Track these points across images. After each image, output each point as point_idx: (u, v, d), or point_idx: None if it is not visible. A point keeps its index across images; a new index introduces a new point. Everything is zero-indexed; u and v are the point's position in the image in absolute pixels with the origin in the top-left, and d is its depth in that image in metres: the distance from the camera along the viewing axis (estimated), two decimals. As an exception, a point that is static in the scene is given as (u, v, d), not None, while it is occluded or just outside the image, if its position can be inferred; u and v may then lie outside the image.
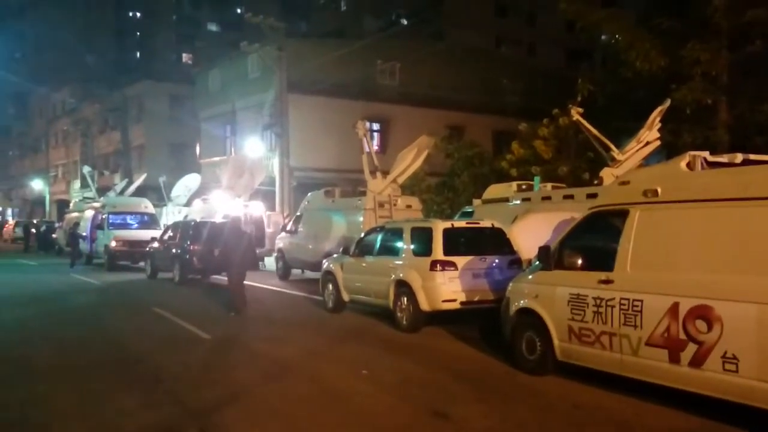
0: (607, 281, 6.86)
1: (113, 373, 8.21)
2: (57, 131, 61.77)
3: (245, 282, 13.66)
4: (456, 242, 10.78)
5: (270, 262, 22.54)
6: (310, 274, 19.18)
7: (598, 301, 6.92)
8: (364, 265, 12.40)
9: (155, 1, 78.52)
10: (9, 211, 73.38)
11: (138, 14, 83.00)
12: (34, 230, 38.95)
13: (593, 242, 7.64)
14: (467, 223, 11.93)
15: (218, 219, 20.14)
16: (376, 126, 31.81)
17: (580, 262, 7.38)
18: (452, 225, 11.21)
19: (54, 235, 35.04)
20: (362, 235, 13.72)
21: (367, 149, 18.43)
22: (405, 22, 52.01)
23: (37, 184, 61.91)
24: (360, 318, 12.44)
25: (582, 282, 7.20)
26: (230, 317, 12.72)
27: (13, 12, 76.95)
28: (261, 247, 22.49)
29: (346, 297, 12.88)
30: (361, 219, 16.98)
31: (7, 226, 53.03)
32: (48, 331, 11.34)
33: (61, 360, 9.06)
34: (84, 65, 69.85)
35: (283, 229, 21.12)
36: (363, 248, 12.66)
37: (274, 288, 17.90)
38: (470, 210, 15.94)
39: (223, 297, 15.32)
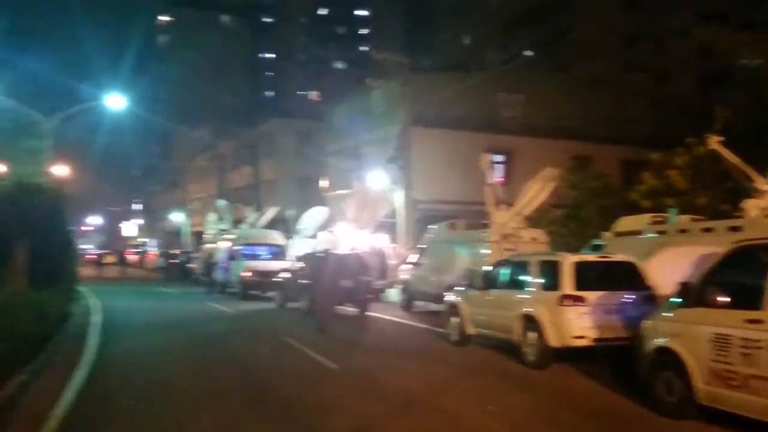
0: (756, 321, 6.40)
1: (244, 400, 8.50)
2: (195, 167, 65.79)
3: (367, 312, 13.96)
4: (586, 276, 10.44)
5: (393, 294, 22.74)
6: (432, 306, 19.15)
7: (746, 342, 6.46)
8: (489, 298, 12.23)
9: (287, 42, 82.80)
10: (148, 242, 78.69)
11: (271, 56, 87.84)
12: (174, 260, 41.32)
13: (739, 279, 7.15)
14: (598, 256, 11.54)
15: (343, 251, 20.62)
16: (499, 158, 31.49)
17: (724, 299, 6.94)
18: (582, 258, 10.91)
19: (191, 265, 37.13)
20: (487, 267, 13.58)
21: (490, 181, 18.33)
22: (528, 53, 51.67)
23: (176, 217, 65.99)
24: (485, 352, 12.24)
25: (727, 321, 6.76)
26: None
27: (159, 57, 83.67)
28: (384, 278, 22.79)
29: (471, 330, 12.73)
30: (485, 251, 16.83)
31: (148, 255, 56.77)
32: (186, 357, 11.97)
33: (196, 385, 9.51)
34: (221, 104, 74.60)
35: (406, 260, 21.28)
36: (488, 281, 12.49)
37: (397, 319, 18.01)
38: (600, 243, 15.41)
39: (347, 327, 15.65)
